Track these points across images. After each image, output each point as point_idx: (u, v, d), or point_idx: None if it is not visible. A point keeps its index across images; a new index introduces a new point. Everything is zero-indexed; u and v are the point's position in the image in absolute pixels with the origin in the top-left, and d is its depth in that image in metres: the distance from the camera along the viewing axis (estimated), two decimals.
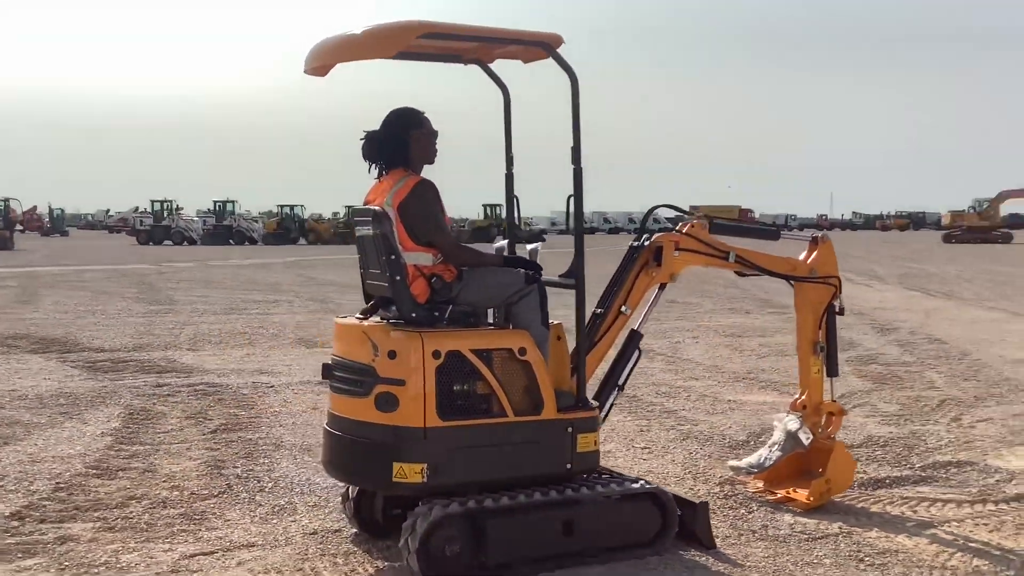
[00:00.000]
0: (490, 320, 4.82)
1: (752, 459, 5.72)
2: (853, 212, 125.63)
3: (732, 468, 5.88)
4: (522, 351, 4.48)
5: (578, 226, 4.63)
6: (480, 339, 4.48)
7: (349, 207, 58.49)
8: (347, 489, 4.90)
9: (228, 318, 14.64)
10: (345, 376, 4.51)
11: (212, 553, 4.67)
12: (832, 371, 5.69)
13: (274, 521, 5.15)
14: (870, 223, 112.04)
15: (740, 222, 6.62)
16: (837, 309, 5.69)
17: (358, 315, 4.76)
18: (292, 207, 59.24)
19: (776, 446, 5.61)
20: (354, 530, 4.92)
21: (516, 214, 5.35)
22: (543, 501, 4.43)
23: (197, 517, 5.22)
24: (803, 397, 5.66)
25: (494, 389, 4.40)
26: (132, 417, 7.53)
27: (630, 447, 6.76)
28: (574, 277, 4.66)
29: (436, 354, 4.27)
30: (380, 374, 4.26)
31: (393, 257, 4.40)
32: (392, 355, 4.26)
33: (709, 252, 5.32)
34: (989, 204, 58.81)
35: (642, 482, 4.80)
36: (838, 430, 5.70)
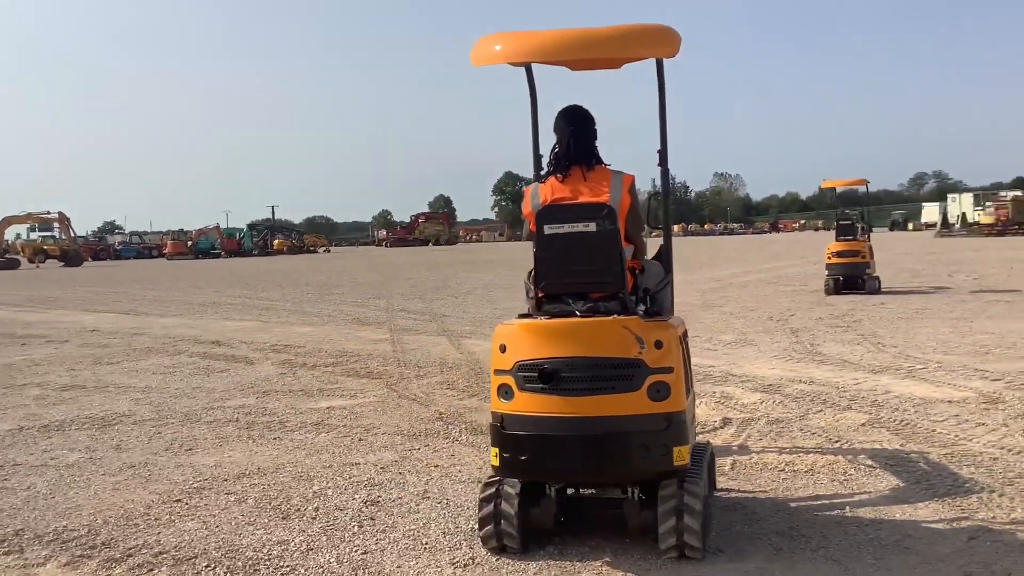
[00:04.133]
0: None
1: None
2: None
3: None
4: (685, 334, 4.91)
5: (666, 220, 5.34)
6: (681, 326, 4.81)
7: None
8: (494, 506, 4.43)
9: None
10: (597, 374, 4.30)
11: None
12: None
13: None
14: None
15: None
16: None
17: (543, 315, 4.53)
18: None
19: None
20: (491, 547, 4.48)
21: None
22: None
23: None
24: None
25: (688, 369, 4.76)
26: None
27: None
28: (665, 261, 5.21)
29: (679, 341, 4.53)
30: (651, 365, 4.29)
31: (622, 252, 4.51)
32: (659, 345, 4.32)
33: None
34: None
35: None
36: None
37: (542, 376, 4.29)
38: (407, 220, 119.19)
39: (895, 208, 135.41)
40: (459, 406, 8.25)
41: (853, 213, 20.97)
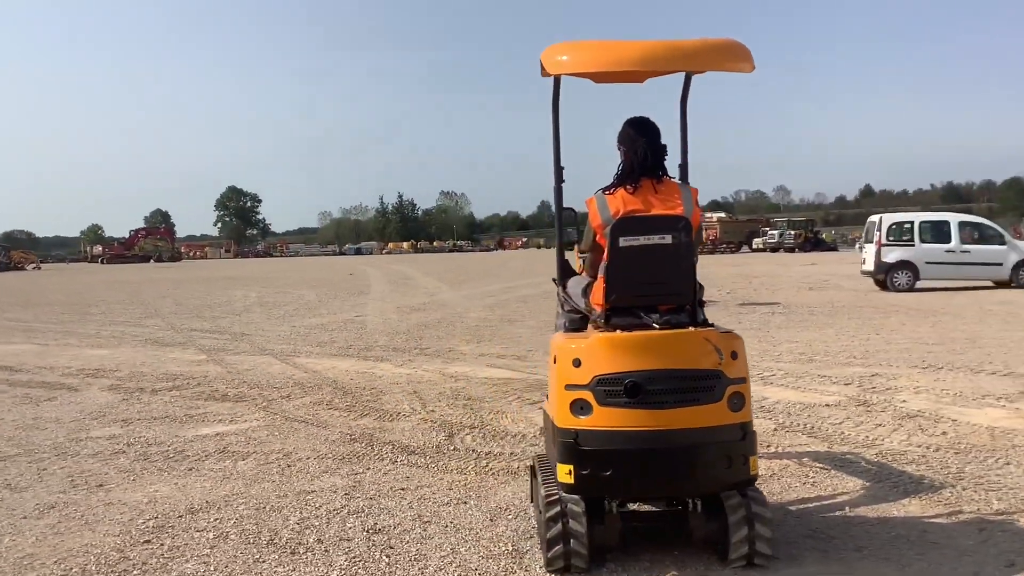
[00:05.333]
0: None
1: None
2: None
3: None
4: None
5: None
6: None
7: None
8: (562, 526, 4.28)
9: None
10: (682, 386, 4.26)
11: None
12: None
13: None
14: None
15: None
16: None
17: (609, 328, 4.43)
18: None
19: None
20: (556, 569, 4.34)
21: None
22: None
23: None
24: None
25: None
26: None
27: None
28: None
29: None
30: (730, 376, 4.31)
31: (695, 264, 4.51)
32: (735, 356, 4.37)
33: None
34: None
35: None
36: None
37: (628, 390, 4.20)
38: (119, 235, 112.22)
39: None
40: (362, 427, 7.90)
41: None
